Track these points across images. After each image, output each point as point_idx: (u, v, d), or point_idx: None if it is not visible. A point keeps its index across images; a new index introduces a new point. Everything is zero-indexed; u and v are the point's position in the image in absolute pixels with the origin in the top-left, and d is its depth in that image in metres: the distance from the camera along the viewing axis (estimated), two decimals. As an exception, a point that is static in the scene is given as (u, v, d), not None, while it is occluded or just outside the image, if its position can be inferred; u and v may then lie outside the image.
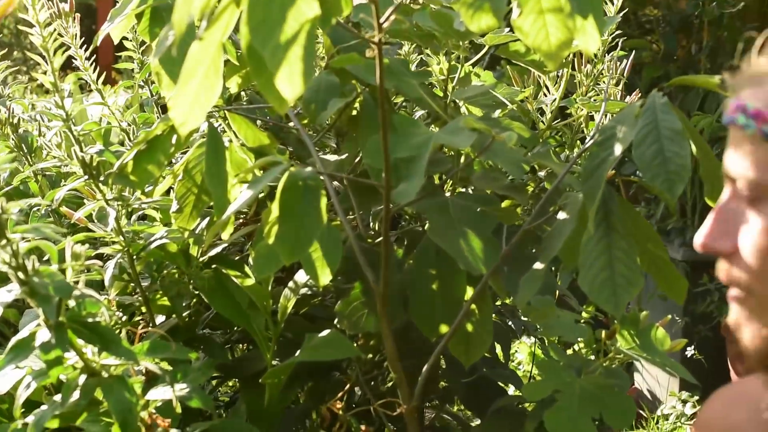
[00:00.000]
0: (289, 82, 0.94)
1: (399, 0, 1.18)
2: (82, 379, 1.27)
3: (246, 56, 1.01)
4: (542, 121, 1.63)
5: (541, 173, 1.59)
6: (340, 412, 1.51)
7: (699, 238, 0.92)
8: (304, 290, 1.65)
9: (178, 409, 1.34)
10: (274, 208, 1.26)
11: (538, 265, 1.36)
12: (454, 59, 1.61)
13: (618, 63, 1.64)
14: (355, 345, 1.50)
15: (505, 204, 1.58)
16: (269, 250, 1.32)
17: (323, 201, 1.25)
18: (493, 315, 1.62)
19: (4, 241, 1.17)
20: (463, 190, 1.56)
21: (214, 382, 1.82)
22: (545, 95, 1.71)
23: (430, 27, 1.44)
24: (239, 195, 1.31)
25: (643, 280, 1.27)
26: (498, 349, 1.82)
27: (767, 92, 0.86)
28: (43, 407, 1.26)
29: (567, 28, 1.11)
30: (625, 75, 1.66)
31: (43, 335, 1.22)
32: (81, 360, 1.27)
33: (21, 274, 1.18)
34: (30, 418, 1.25)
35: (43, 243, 1.23)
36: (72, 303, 1.26)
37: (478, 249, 1.35)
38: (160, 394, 1.35)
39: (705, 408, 1.08)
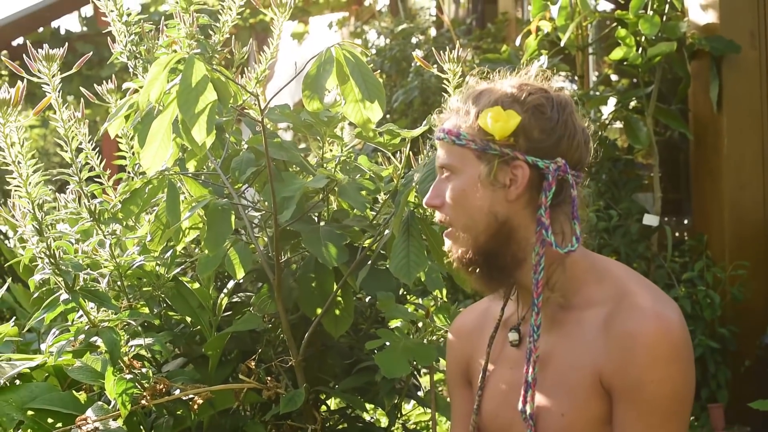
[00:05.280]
0: (199, 134, 1.79)
1: (273, 96, 2.04)
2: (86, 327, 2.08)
3: (181, 124, 1.86)
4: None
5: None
6: (254, 367, 2.27)
7: (425, 200, 1.70)
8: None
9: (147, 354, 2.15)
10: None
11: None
12: (340, 143, 2.46)
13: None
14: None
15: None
16: (207, 257, 2.15)
17: (232, 217, 2.08)
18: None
19: (43, 242, 2.00)
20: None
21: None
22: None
23: (308, 119, 2.29)
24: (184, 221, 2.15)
25: (427, 263, 2.08)
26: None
27: (452, 121, 1.67)
28: (61, 343, 2.06)
29: (365, 109, 1.95)
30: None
31: (64, 296, 2.03)
32: (86, 317, 2.08)
33: (52, 259, 2.01)
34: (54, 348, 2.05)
35: (65, 243, 2.07)
36: (81, 281, 2.09)
37: (333, 252, 2.16)
38: (137, 341, 2.15)
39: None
